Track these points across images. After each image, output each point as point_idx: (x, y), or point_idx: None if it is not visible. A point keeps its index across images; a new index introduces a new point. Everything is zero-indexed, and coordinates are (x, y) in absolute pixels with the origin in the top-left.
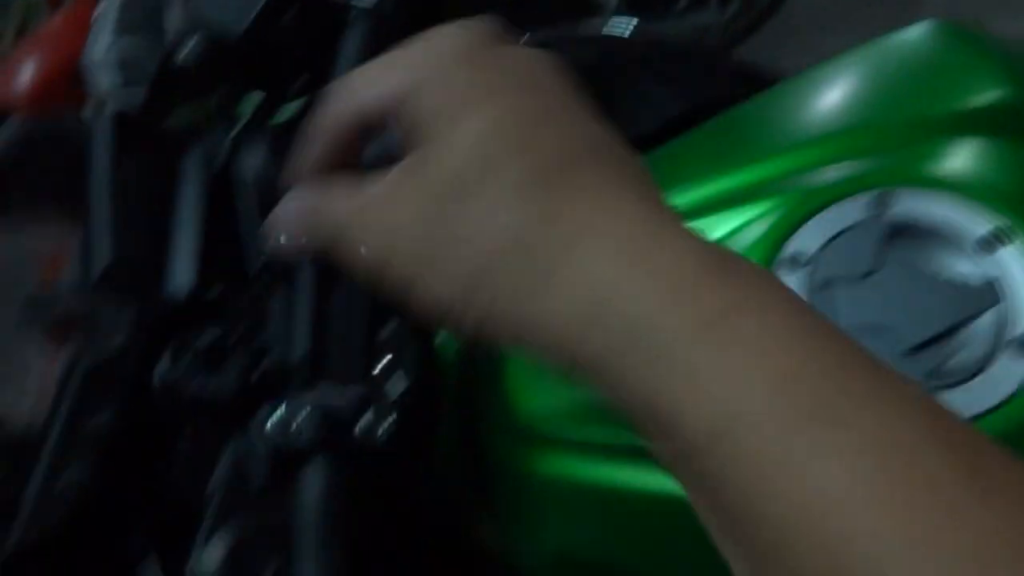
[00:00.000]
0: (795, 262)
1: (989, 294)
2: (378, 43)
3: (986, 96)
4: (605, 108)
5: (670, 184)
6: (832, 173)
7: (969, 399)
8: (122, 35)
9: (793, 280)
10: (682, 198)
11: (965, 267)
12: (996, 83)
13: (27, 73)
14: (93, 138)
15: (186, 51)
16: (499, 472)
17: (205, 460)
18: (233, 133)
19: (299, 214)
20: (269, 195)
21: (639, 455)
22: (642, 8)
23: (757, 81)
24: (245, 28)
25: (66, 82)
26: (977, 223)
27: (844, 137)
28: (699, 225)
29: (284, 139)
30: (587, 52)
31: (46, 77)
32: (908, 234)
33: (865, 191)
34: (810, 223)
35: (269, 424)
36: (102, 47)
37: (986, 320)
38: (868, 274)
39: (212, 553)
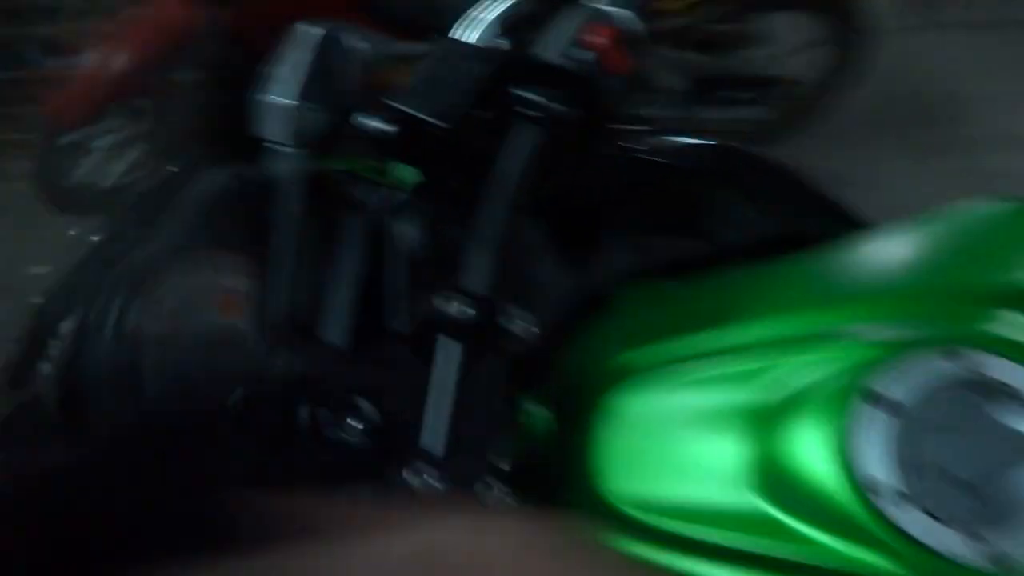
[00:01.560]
0: (875, 398)
1: None
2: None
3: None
4: (696, 214)
5: (757, 309)
6: (904, 327)
7: None
8: (305, 100)
9: (876, 415)
10: (766, 328)
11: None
12: None
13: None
14: (281, 197)
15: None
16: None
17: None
18: (394, 207)
19: None
20: (419, 266)
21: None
22: (697, 99)
23: (835, 212)
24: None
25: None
26: None
27: (924, 295)
28: (779, 355)
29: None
30: (684, 156)
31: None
32: (977, 390)
33: (938, 347)
34: (890, 367)
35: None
36: (283, 100)
37: None
38: (949, 427)
39: None
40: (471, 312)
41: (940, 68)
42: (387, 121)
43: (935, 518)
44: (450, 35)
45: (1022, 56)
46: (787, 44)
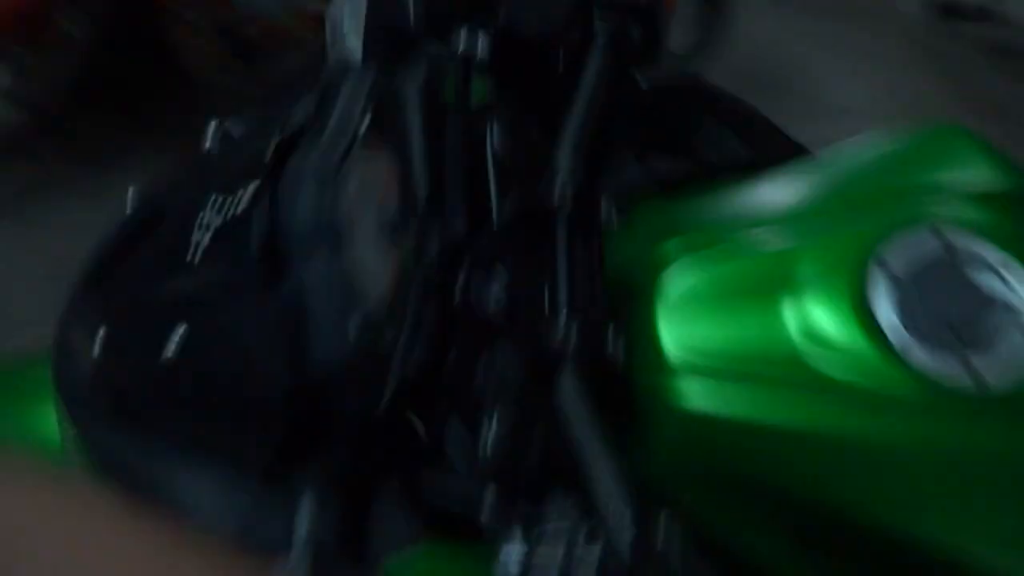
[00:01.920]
0: (884, 264)
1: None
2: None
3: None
4: (687, 135)
5: (755, 211)
6: (896, 212)
7: None
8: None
9: (885, 277)
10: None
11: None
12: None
13: None
14: (408, 99)
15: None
16: (645, 401)
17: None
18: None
19: None
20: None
21: (770, 383)
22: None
23: (785, 139)
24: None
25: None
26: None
27: (890, 191)
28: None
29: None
30: (673, 84)
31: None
32: (955, 256)
33: (923, 223)
34: (893, 239)
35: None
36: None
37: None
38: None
39: (496, 431)
40: None
41: (779, 46)
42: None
43: (932, 352)
44: None
45: (851, 38)
46: None
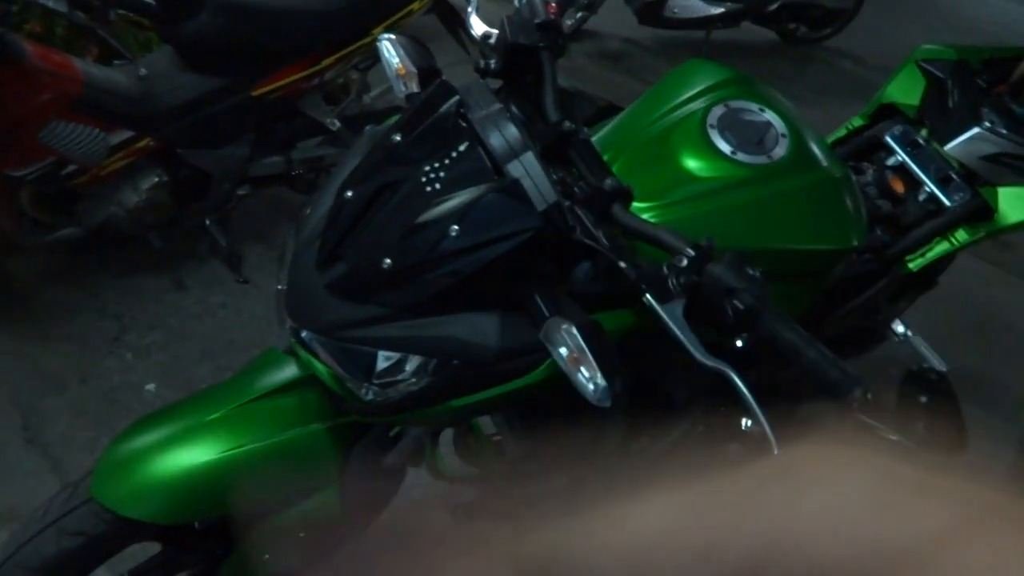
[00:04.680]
0: (713, 127)
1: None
2: None
3: (726, 78)
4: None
5: (632, 127)
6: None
7: None
8: None
9: (714, 131)
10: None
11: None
12: (728, 74)
13: None
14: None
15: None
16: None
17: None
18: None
19: None
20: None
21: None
22: None
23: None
24: None
25: None
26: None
27: (697, 93)
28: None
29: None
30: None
31: None
32: (742, 113)
33: (718, 103)
34: (709, 112)
35: None
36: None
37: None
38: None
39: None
40: None
41: None
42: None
43: (747, 154)
44: None
45: None
46: None
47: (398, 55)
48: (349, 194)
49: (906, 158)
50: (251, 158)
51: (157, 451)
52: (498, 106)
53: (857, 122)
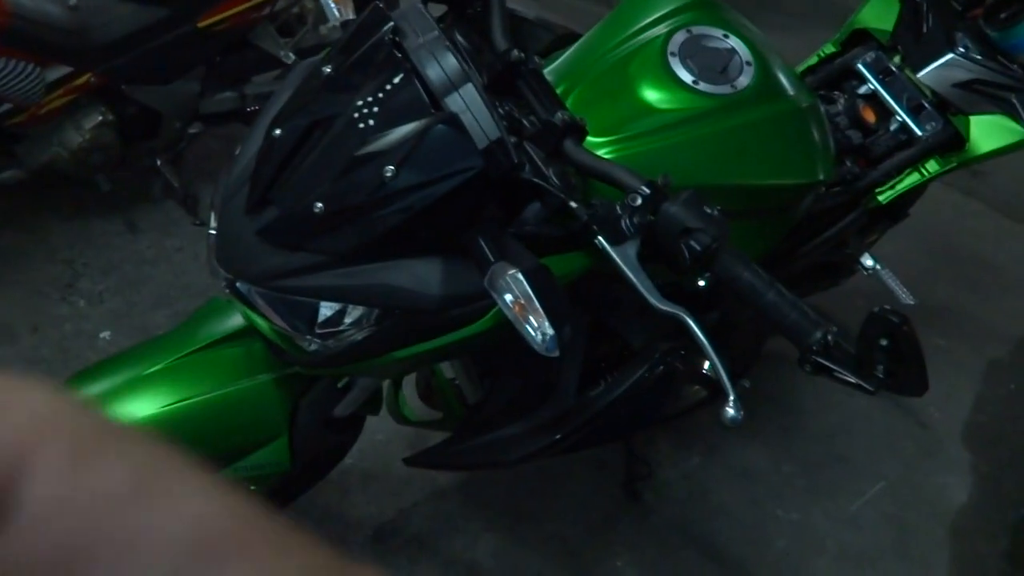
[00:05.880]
0: (674, 55)
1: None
2: None
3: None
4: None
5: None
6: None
7: None
8: None
9: (675, 59)
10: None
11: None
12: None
13: None
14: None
15: None
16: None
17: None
18: None
19: None
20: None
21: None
22: None
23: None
24: None
25: None
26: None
27: (658, 18)
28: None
29: None
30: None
31: None
32: (700, 40)
33: (679, 28)
34: (671, 39)
35: None
36: None
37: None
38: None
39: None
40: None
41: None
42: None
43: (710, 83)
44: None
45: None
46: None
47: None
48: (278, 132)
49: (877, 86)
50: (201, 94)
51: (93, 406)
52: (436, 33)
53: (829, 49)
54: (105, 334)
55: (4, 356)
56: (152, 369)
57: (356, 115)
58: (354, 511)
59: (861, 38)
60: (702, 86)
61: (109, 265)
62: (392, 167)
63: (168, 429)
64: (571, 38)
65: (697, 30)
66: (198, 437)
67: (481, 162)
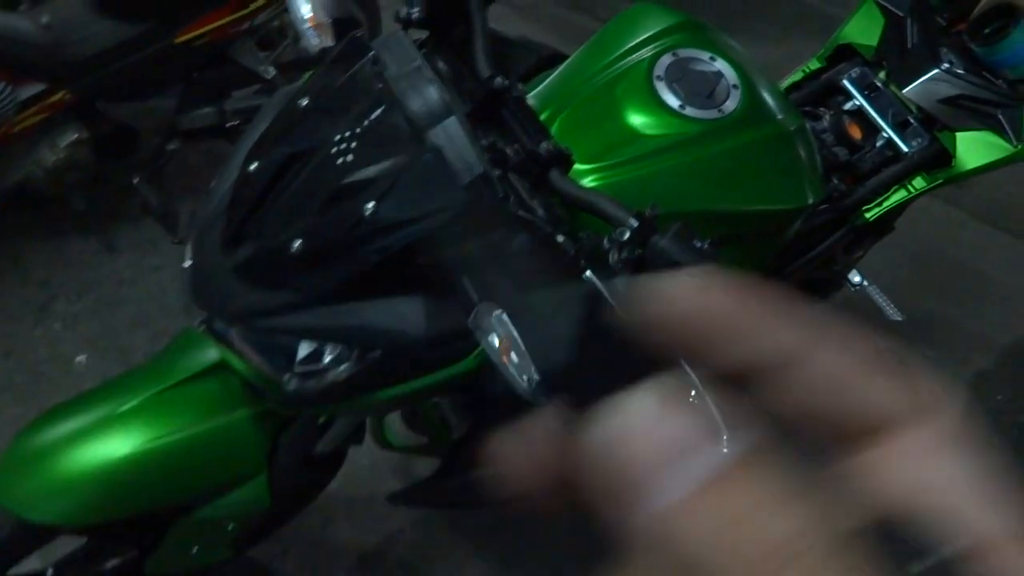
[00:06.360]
0: (660, 79)
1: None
2: None
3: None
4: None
5: (579, 77)
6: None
7: None
8: None
9: (661, 84)
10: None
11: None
12: (677, 19)
13: None
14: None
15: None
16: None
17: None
18: None
19: None
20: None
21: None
22: None
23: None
24: None
25: None
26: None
27: (644, 40)
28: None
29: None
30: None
31: None
32: (689, 63)
33: (666, 52)
34: (660, 61)
35: None
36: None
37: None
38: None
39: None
40: None
41: None
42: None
43: (696, 108)
44: None
45: None
46: None
47: (309, 2)
48: (254, 166)
49: (863, 102)
50: (180, 110)
51: (66, 447)
52: (417, 63)
53: (814, 64)
54: (81, 358)
55: None
56: (125, 407)
57: (335, 149)
58: (338, 536)
59: (846, 53)
60: (689, 111)
61: (85, 286)
62: (372, 203)
63: (145, 468)
64: (555, 59)
65: (683, 53)
66: (175, 476)
67: (464, 197)
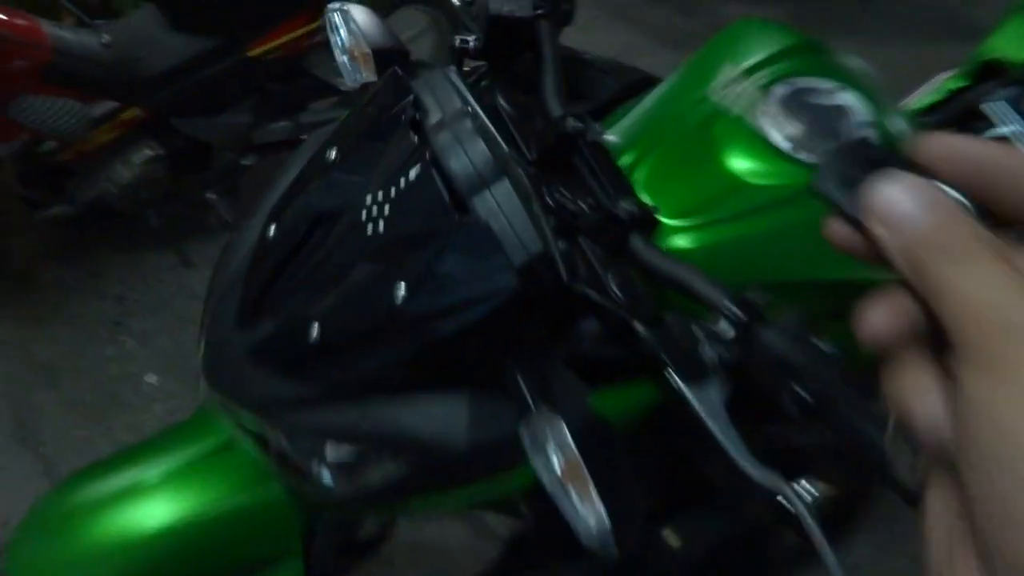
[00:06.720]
0: (770, 114)
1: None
2: None
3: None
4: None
5: (672, 111)
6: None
7: None
8: None
9: (776, 123)
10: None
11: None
12: (791, 39)
13: None
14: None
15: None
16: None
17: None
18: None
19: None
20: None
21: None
22: None
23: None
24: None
25: None
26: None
27: (751, 67)
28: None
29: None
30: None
31: None
32: (805, 93)
33: (777, 82)
34: (767, 90)
35: None
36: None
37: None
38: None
39: (617, 281)
40: None
41: None
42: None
43: (812, 150)
44: None
45: None
46: None
47: (349, 30)
48: (273, 230)
49: (1010, 131)
50: (254, 124)
51: (85, 520)
52: (464, 110)
53: (956, 83)
54: (152, 378)
55: (47, 400)
56: (151, 478)
57: (364, 214)
58: None
59: (993, 70)
60: (804, 155)
61: (159, 301)
62: (404, 286)
63: (168, 547)
64: (643, 84)
65: (799, 83)
66: (207, 553)
67: (516, 282)
